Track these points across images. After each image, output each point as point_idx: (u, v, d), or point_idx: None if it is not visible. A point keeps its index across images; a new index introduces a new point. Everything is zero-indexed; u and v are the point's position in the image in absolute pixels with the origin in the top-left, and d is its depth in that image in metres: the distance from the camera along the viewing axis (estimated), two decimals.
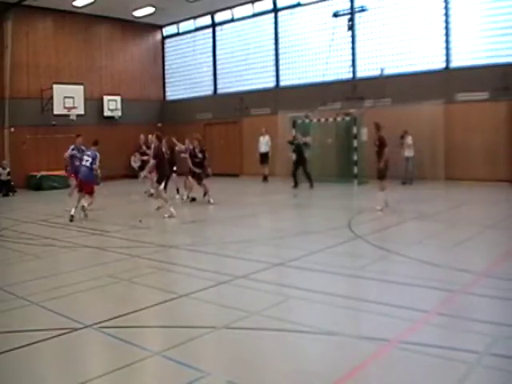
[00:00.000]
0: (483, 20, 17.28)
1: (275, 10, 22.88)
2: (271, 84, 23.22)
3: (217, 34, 25.33)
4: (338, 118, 18.92)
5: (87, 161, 12.13)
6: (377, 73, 19.06)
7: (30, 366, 4.25)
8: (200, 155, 14.65)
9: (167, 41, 27.72)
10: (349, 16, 20.01)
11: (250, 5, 23.55)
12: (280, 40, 22.89)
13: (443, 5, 18.20)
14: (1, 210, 14.76)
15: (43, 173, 20.78)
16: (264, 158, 20.31)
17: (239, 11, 24.08)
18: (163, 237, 10.02)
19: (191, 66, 26.61)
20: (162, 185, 12.46)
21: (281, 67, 22.94)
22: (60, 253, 8.70)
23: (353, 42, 20.33)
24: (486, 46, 17.24)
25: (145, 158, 16.29)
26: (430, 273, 6.62)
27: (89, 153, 12.29)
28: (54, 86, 21.56)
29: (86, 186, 12.13)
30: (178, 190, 15.54)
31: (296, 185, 17.51)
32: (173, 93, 27.68)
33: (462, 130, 17.43)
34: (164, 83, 27.92)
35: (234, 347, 4.54)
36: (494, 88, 16.50)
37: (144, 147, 17.14)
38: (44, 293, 6.20)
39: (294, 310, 5.43)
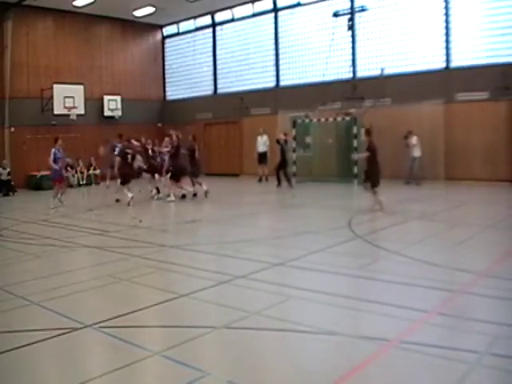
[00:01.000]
0: (483, 20, 17.28)
1: (275, 9, 22.88)
2: (271, 84, 23.22)
3: (217, 33, 25.33)
4: (338, 118, 18.92)
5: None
6: (377, 73, 19.05)
7: (30, 366, 4.25)
8: (185, 152, 15.07)
9: (167, 41, 27.72)
10: (349, 16, 20.01)
11: (250, 5, 23.55)
12: (280, 40, 22.89)
13: (443, 5, 18.20)
14: (1, 210, 14.77)
15: (43, 173, 20.75)
16: (262, 157, 20.30)
17: (239, 11, 24.08)
18: (163, 237, 10.02)
19: (191, 66, 26.61)
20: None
21: (281, 67, 22.94)
22: (60, 253, 8.69)
23: (353, 41, 20.33)
24: (486, 45, 17.24)
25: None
26: (430, 273, 6.61)
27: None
28: (54, 85, 21.56)
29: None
30: (158, 190, 15.89)
31: (279, 183, 17.95)
32: (173, 93, 27.69)
33: (462, 130, 17.43)
34: (164, 83, 27.92)
35: (234, 347, 4.53)
36: (494, 88, 16.50)
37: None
38: (44, 293, 6.20)
39: (294, 310, 5.43)
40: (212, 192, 15.27)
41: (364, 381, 3.88)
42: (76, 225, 11.41)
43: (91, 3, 21.55)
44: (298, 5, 22.08)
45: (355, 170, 18.12)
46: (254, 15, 23.59)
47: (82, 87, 22.49)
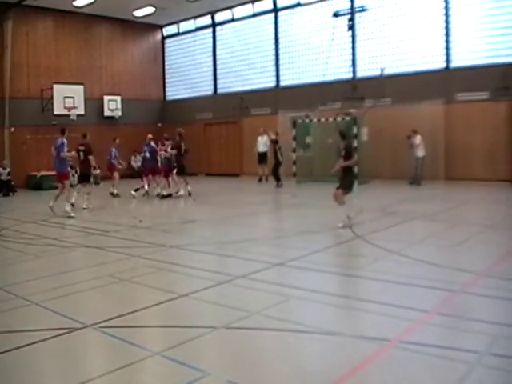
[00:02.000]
0: (483, 20, 17.29)
1: (275, 9, 22.90)
2: (271, 84, 23.22)
3: (217, 33, 25.34)
4: (338, 118, 18.91)
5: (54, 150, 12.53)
6: (377, 73, 19.06)
7: (30, 366, 4.25)
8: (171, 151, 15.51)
9: (167, 41, 27.73)
10: (349, 16, 20.02)
11: (250, 5, 23.57)
12: (280, 40, 22.90)
13: (443, 5, 18.22)
14: (1, 210, 14.76)
15: (43, 173, 20.78)
16: (262, 157, 20.30)
17: (239, 11, 24.10)
18: (163, 237, 10.01)
19: (191, 66, 26.63)
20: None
21: (281, 67, 22.95)
22: (60, 253, 8.69)
23: (353, 41, 20.34)
24: (486, 45, 17.26)
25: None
26: (430, 273, 6.61)
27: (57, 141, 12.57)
28: (54, 85, 21.57)
29: (59, 176, 12.65)
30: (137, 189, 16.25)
31: (278, 182, 18.22)
32: (173, 93, 27.70)
33: (463, 130, 17.44)
34: (164, 83, 27.93)
35: (234, 347, 4.53)
36: (495, 88, 16.51)
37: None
38: (44, 293, 6.20)
39: (294, 310, 5.43)
40: (212, 192, 15.27)
41: (364, 381, 3.88)
42: (76, 225, 11.41)
43: (91, 3, 21.57)
44: (298, 5, 22.09)
45: (355, 169, 18.09)
46: (254, 15, 23.61)
47: (81, 87, 22.50)
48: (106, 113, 24.40)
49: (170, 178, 15.95)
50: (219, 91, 25.48)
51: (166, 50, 27.81)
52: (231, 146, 24.64)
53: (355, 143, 18.12)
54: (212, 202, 15.11)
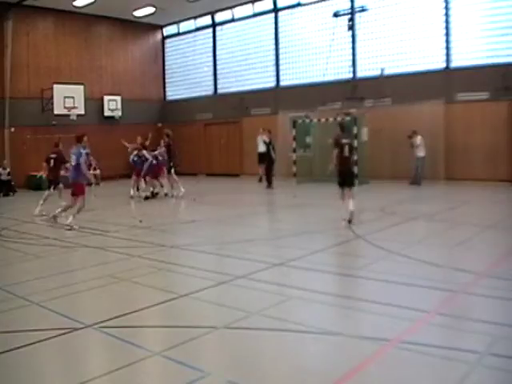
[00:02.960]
0: (483, 20, 17.28)
1: (275, 9, 22.89)
2: (271, 84, 23.22)
3: (217, 33, 25.33)
4: (338, 118, 18.90)
5: (73, 160, 11.01)
6: (377, 73, 19.06)
7: (30, 366, 4.25)
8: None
9: (167, 41, 27.72)
10: (349, 16, 20.01)
11: (250, 5, 23.56)
12: (280, 40, 22.89)
13: (443, 5, 18.21)
14: (1, 210, 14.77)
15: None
16: (262, 157, 20.27)
17: (239, 11, 24.09)
18: (163, 237, 10.02)
19: (191, 66, 26.61)
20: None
21: (281, 67, 22.95)
22: (60, 253, 8.69)
23: (353, 41, 20.33)
24: (486, 45, 17.25)
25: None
26: (431, 273, 6.61)
27: (72, 150, 11.18)
28: (55, 85, 21.56)
29: (75, 187, 11.12)
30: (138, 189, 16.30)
31: (269, 184, 18.18)
32: (173, 93, 27.69)
33: (463, 130, 17.43)
34: (164, 83, 27.93)
35: (234, 347, 4.53)
36: (495, 88, 16.51)
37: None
38: (44, 293, 6.20)
39: (294, 310, 5.43)
40: (212, 192, 15.28)
41: (364, 381, 3.88)
42: (76, 225, 11.38)
43: (91, 3, 21.56)
44: (298, 5, 22.08)
45: (355, 170, 18.09)
46: (254, 15, 23.60)
47: (81, 87, 22.50)
48: (106, 113, 24.39)
49: (160, 179, 16.00)
50: (219, 91, 25.47)
51: (166, 50, 27.80)
52: (231, 146, 24.64)
53: (355, 143, 18.17)
54: (212, 202, 15.11)
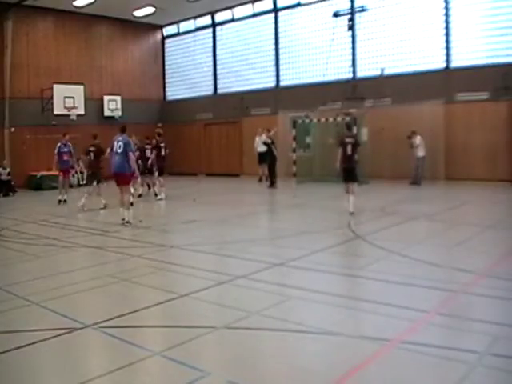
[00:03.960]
0: (483, 20, 17.29)
1: (275, 9, 22.89)
2: (271, 84, 23.22)
3: (217, 33, 25.34)
4: (338, 118, 18.90)
5: (120, 147, 10.21)
6: (377, 73, 19.05)
7: (30, 366, 4.25)
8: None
9: (167, 41, 27.73)
10: (349, 16, 20.01)
11: (250, 5, 23.56)
12: (280, 40, 22.90)
13: (443, 5, 18.21)
14: (1, 210, 14.76)
15: (43, 173, 20.78)
16: (262, 157, 20.26)
17: (239, 11, 24.09)
18: (163, 237, 10.02)
19: (191, 66, 26.62)
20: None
21: (281, 67, 22.95)
22: (60, 253, 8.69)
23: (353, 41, 20.34)
24: (486, 45, 17.25)
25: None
26: (430, 273, 6.61)
27: (120, 138, 10.37)
28: (55, 85, 21.57)
29: (121, 178, 10.55)
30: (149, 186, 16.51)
31: (272, 183, 18.23)
32: (173, 93, 27.69)
33: (463, 130, 17.43)
34: (164, 83, 27.93)
35: (234, 347, 4.53)
36: (495, 88, 16.51)
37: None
38: (44, 293, 6.20)
39: (295, 310, 5.43)
40: (213, 192, 15.27)
41: (364, 381, 3.88)
42: (76, 225, 11.42)
43: (91, 3, 21.56)
44: (298, 5, 22.09)
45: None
46: (254, 15, 23.60)
47: (81, 87, 22.50)
48: (106, 113, 24.39)
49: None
50: (219, 91, 25.47)
51: (166, 50, 27.80)
52: (231, 146, 24.64)
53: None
54: (212, 202, 15.12)
